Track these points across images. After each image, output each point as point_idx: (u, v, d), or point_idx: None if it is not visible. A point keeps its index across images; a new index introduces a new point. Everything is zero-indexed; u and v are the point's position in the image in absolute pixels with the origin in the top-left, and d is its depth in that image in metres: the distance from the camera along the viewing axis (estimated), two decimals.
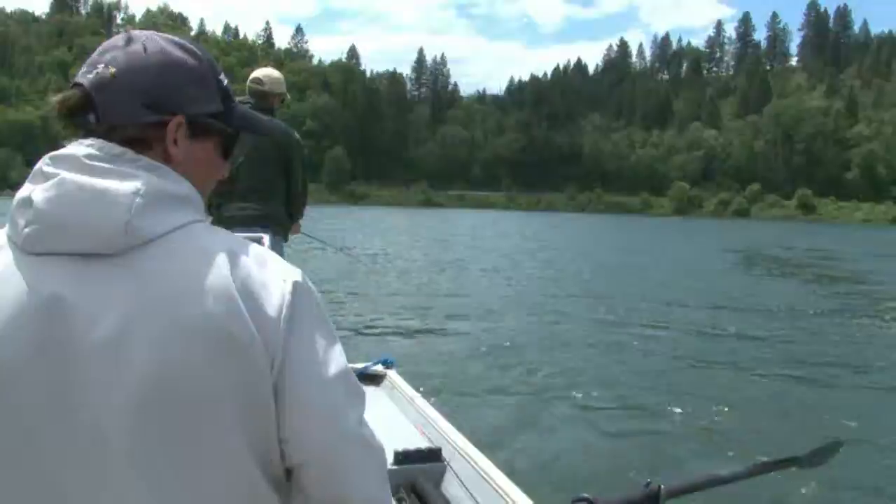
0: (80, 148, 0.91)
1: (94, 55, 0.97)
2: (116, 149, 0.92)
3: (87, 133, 0.94)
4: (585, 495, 1.68)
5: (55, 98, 0.95)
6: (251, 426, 0.90)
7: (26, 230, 0.87)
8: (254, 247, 0.98)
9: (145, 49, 0.96)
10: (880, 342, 11.84)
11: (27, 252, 0.88)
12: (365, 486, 0.97)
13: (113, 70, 0.94)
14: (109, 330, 0.85)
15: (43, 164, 0.92)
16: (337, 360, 0.96)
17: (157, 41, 0.98)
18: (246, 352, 0.88)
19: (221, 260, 0.91)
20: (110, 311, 0.86)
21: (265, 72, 4.58)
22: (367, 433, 0.98)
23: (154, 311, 0.86)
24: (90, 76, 0.94)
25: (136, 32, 0.99)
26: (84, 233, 0.87)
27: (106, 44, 0.98)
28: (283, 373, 0.91)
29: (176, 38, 1.01)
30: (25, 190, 0.90)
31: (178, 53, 0.98)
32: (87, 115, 0.94)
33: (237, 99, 4.85)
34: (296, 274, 0.97)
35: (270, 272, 0.94)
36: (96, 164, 0.90)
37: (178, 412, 0.86)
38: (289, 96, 4.73)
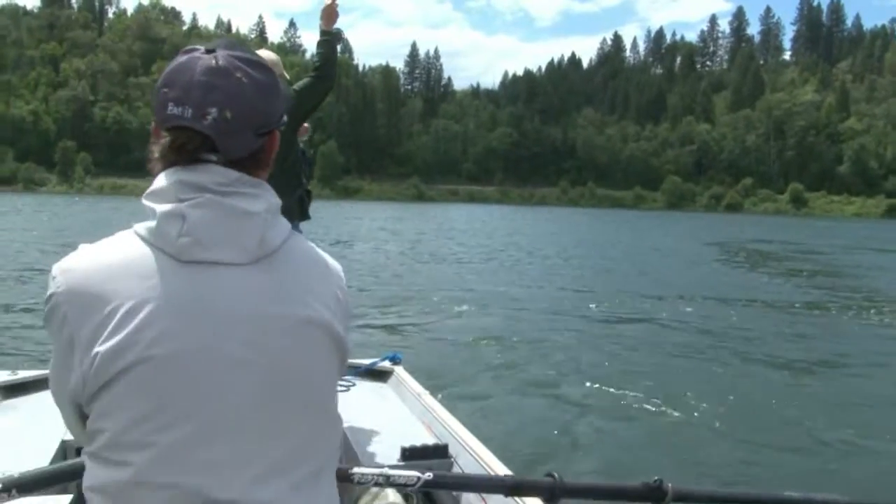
0: (206, 176, 1.06)
1: (196, 93, 1.05)
2: (234, 174, 1.08)
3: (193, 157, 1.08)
4: (551, 473, 1.71)
5: (165, 142, 1.08)
6: (334, 380, 1.19)
7: (181, 240, 1.04)
8: (325, 255, 1.22)
9: (244, 80, 1.07)
10: (864, 335, 11.94)
11: (179, 260, 1.04)
12: None
13: (229, 114, 1.05)
14: (251, 328, 1.06)
15: (176, 189, 1.06)
16: None
17: (242, 67, 1.08)
18: (338, 342, 1.16)
19: (320, 268, 1.18)
20: (251, 309, 1.06)
21: (260, 54, 4.36)
22: None
23: (282, 311, 1.08)
24: (206, 121, 1.05)
25: (217, 59, 1.08)
26: (230, 245, 1.06)
27: (197, 77, 1.06)
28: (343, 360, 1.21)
29: (247, 54, 1.12)
30: (168, 206, 1.05)
31: (263, 76, 1.11)
32: (206, 152, 1.08)
33: None
34: (343, 279, 1.22)
35: (338, 279, 1.21)
36: (225, 188, 1.06)
37: (306, 385, 1.11)
38: (288, 77, 4.43)
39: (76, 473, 1.39)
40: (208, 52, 1.09)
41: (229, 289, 1.06)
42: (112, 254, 1.07)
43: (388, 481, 1.67)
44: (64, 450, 2.76)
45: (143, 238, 1.07)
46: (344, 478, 1.58)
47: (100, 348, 1.02)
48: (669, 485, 1.71)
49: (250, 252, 1.08)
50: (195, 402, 1.04)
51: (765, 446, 6.17)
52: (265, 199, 1.11)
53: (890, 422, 7.01)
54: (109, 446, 1.03)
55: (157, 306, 1.03)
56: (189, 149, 1.07)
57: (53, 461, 2.61)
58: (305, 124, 4.48)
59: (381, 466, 1.68)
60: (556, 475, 1.70)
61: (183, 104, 1.05)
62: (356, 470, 1.62)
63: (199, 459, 1.03)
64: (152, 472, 1.01)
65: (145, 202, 1.08)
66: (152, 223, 1.06)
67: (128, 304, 1.02)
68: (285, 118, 1.18)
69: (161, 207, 1.05)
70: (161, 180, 1.08)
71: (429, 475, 1.66)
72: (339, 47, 4.17)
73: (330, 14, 4.10)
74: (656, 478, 1.72)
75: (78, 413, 1.11)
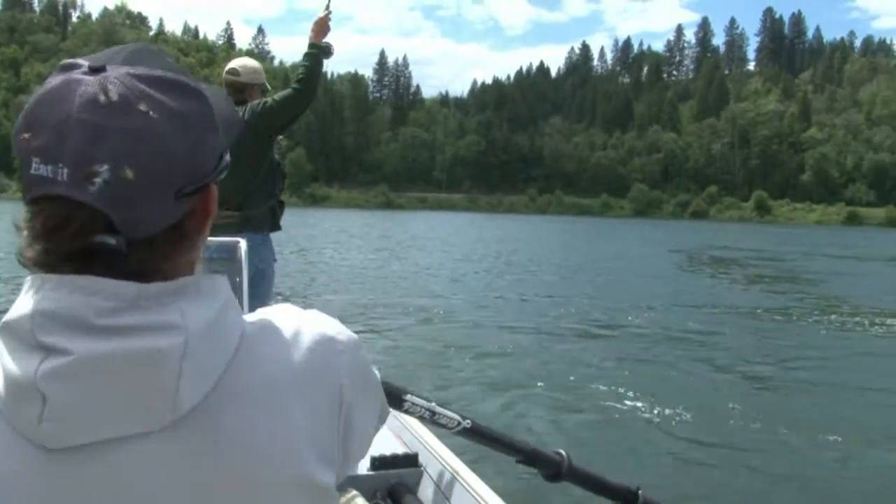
0: (81, 300, 0.64)
1: (74, 142, 0.62)
2: (130, 290, 0.65)
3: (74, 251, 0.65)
4: (559, 450, 1.73)
5: (32, 218, 0.66)
6: None
7: (42, 427, 0.64)
8: (304, 340, 0.77)
9: (152, 115, 0.65)
10: (824, 338, 12.08)
11: (45, 448, 0.65)
12: None
13: (129, 171, 0.63)
14: None
15: (34, 326, 0.64)
16: (376, 425, 0.88)
17: (150, 93, 0.65)
18: (323, 490, 0.74)
19: (283, 390, 0.72)
20: (170, 495, 0.67)
21: (241, 62, 4.26)
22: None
23: (228, 477, 0.68)
24: (93, 187, 0.62)
25: (108, 83, 0.64)
26: (122, 419, 0.65)
27: (76, 115, 0.63)
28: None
29: (157, 71, 0.67)
30: (20, 368, 0.63)
31: (185, 104, 0.68)
32: (98, 235, 0.64)
33: None
34: (351, 356, 0.80)
35: (329, 375, 0.76)
36: (113, 322, 0.64)
37: None
38: (269, 87, 4.33)
39: None
40: (95, 70, 0.65)
41: (129, 476, 0.66)
42: None
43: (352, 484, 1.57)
44: None
45: None
46: None
47: None
48: (640, 492, 1.73)
49: (157, 419, 0.66)
50: None
51: (729, 455, 6.18)
52: (182, 329, 0.66)
53: (852, 426, 7.07)
54: None
55: None
56: (70, 232, 0.64)
57: None
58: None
59: (349, 476, 1.62)
60: (563, 453, 1.69)
61: (54, 160, 0.63)
62: None
63: None
64: None
65: (0, 341, 0.66)
66: (2, 391, 0.65)
67: None
68: (228, 159, 0.75)
69: (12, 368, 0.64)
70: (21, 298, 0.66)
71: (468, 422, 1.61)
72: (325, 62, 4.10)
73: (321, 27, 4.06)
74: (637, 486, 1.73)
75: None
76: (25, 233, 0.66)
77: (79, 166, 0.62)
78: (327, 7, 4.08)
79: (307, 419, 0.73)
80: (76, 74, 0.65)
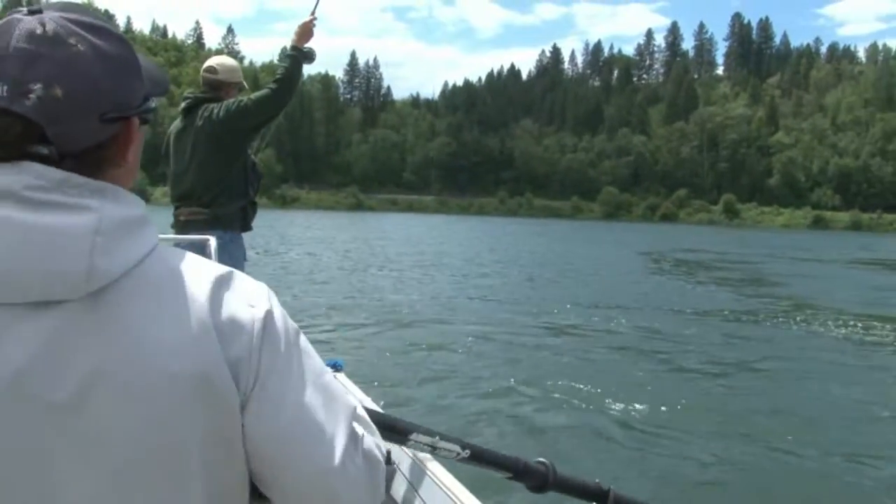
0: (14, 177, 0.76)
1: (13, 65, 0.76)
2: (57, 174, 0.77)
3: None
4: (543, 460, 1.73)
5: None
6: (218, 471, 0.83)
7: None
8: (217, 270, 0.87)
9: (80, 48, 0.78)
10: (788, 339, 12.29)
11: None
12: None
13: (59, 91, 0.76)
14: (71, 391, 0.74)
15: None
16: (315, 382, 0.89)
17: (79, 32, 0.79)
18: (220, 395, 0.80)
19: (190, 293, 0.82)
20: (73, 369, 0.75)
21: (219, 60, 4.19)
22: (353, 465, 0.89)
23: (122, 364, 0.76)
24: (28, 101, 0.76)
25: (45, 21, 0.79)
26: (39, 281, 0.74)
27: (15, 44, 0.77)
28: (252, 410, 0.83)
29: (88, 17, 0.82)
30: None
31: (111, 45, 0.82)
32: (33, 145, 0.77)
33: (188, 91, 4.36)
34: (262, 296, 0.88)
35: (238, 299, 0.85)
36: (40, 195, 0.76)
37: (148, 469, 0.78)
38: (246, 85, 4.29)
39: None
40: (32, 13, 0.81)
41: (39, 340, 0.75)
42: None
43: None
44: None
45: None
46: None
47: None
48: (611, 489, 1.75)
49: (72, 288, 0.75)
50: None
51: (704, 453, 6.26)
52: (99, 212, 0.78)
53: (816, 425, 7.25)
54: None
55: None
56: (9, 140, 0.77)
57: None
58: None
59: None
60: (547, 462, 1.69)
61: None
62: None
63: None
64: None
65: None
66: None
67: None
68: (152, 104, 0.88)
69: None
70: None
71: (467, 451, 1.64)
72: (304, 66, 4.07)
73: (304, 31, 4.02)
74: (608, 486, 1.76)
75: None
76: None
77: (16, 84, 0.75)
78: (313, 12, 4.10)
79: (210, 326, 0.80)
80: (16, 16, 0.79)
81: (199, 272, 0.85)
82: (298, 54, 3.98)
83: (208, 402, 0.79)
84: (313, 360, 0.91)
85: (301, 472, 0.86)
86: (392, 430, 1.47)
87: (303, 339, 0.92)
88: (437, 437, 1.62)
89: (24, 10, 0.81)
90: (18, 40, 0.77)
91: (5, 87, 0.76)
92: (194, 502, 0.81)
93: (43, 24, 0.78)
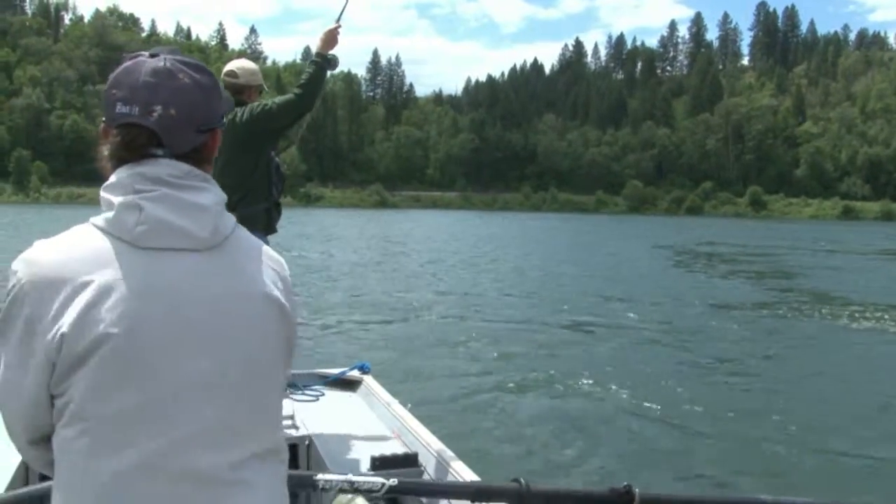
0: (160, 168, 1.16)
1: (143, 92, 1.16)
2: (185, 167, 1.18)
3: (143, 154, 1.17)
4: (517, 479, 1.72)
5: (114, 139, 1.18)
6: (286, 356, 1.28)
7: (138, 228, 1.12)
8: (265, 245, 1.33)
9: (186, 81, 1.18)
10: (820, 334, 12.19)
11: (138, 246, 1.13)
12: None
13: (173, 111, 1.15)
14: (211, 307, 1.16)
15: (133, 181, 1.14)
16: None
17: (185, 69, 1.19)
18: (288, 314, 1.26)
19: (265, 253, 1.28)
20: (210, 292, 1.16)
21: (239, 64, 4.27)
22: None
23: (241, 292, 1.19)
24: (152, 118, 1.15)
25: (164, 62, 1.18)
26: (185, 234, 1.15)
27: (143, 78, 1.16)
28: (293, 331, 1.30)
29: (189, 58, 1.22)
30: (126, 197, 1.13)
31: (204, 78, 1.21)
32: (153, 148, 1.17)
33: None
34: (284, 266, 1.33)
35: (280, 263, 1.31)
36: (180, 181, 1.16)
37: (257, 356, 1.20)
38: (266, 87, 4.39)
39: (41, 499, 1.30)
40: (153, 56, 1.19)
41: (186, 272, 1.15)
42: (72, 244, 1.14)
43: (352, 487, 1.66)
44: (26, 473, 2.61)
45: (101, 228, 1.14)
46: (308, 484, 1.63)
47: (64, 328, 1.08)
48: (637, 490, 1.71)
49: (204, 240, 1.16)
50: (156, 374, 1.10)
51: (729, 447, 6.28)
52: (214, 193, 1.21)
53: (847, 419, 7.20)
54: (75, 418, 1.09)
55: (117, 289, 1.09)
56: (137, 144, 1.16)
57: (11, 487, 2.53)
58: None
59: (351, 476, 1.68)
60: (521, 480, 1.69)
61: (130, 103, 1.15)
62: (320, 476, 1.65)
63: (164, 430, 1.09)
64: (120, 442, 1.08)
65: (103, 194, 1.16)
66: (110, 214, 1.13)
67: (90, 287, 1.09)
68: (225, 119, 1.28)
69: (119, 199, 1.13)
70: (118, 174, 1.17)
71: (393, 481, 1.66)
72: (328, 73, 4.09)
73: (329, 38, 4.05)
74: (625, 483, 1.72)
75: (37, 413, 1.15)
76: (106, 153, 1.19)
77: (144, 106, 1.15)
78: (338, 20, 4.13)
79: (275, 275, 1.27)
80: (142, 58, 1.20)
81: (261, 243, 1.30)
82: (322, 61, 4.03)
83: (282, 316, 1.25)
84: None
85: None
86: (296, 483, 1.61)
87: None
88: (350, 474, 1.67)
89: (147, 53, 1.21)
90: (146, 76, 1.16)
91: (137, 109, 1.15)
92: (278, 386, 1.27)
93: (162, 63, 1.18)
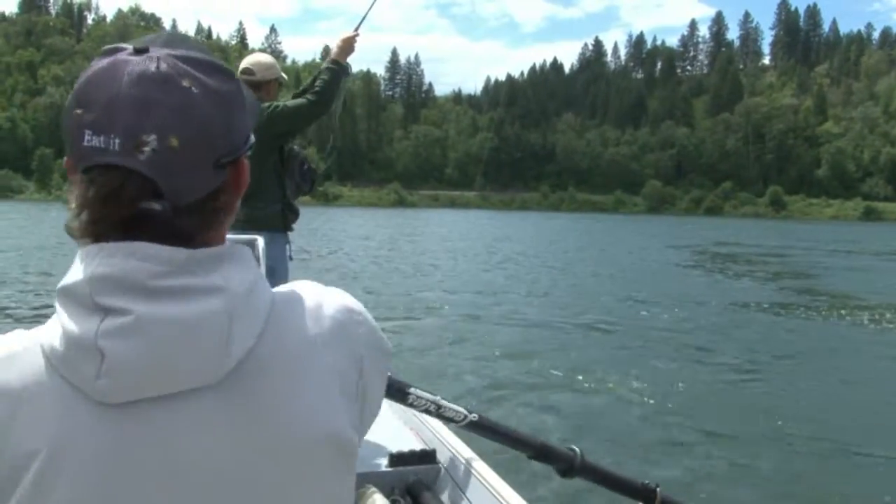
0: (137, 265, 0.70)
1: (125, 114, 0.69)
2: (181, 254, 0.72)
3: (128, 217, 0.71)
4: (572, 447, 1.72)
5: (85, 187, 0.71)
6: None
7: (100, 383, 0.69)
8: (327, 311, 0.83)
9: (194, 91, 0.72)
10: (837, 336, 12.02)
11: (102, 403, 0.70)
12: None
13: (174, 140, 0.70)
14: (217, 473, 0.73)
15: (93, 290, 0.69)
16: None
17: (191, 72, 0.73)
18: (349, 447, 0.80)
19: (312, 356, 0.79)
20: (215, 455, 0.73)
21: (254, 59, 4.21)
22: None
23: (264, 443, 0.74)
24: (142, 155, 0.69)
25: (157, 62, 0.72)
26: (175, 378, 0.71)
27: (125, 90, 0.70)
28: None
29: (195, 52, 0.76)
30: (79, 328, 0.69)
31: (222, 83, 0.75)
32: (145, 202, 0.70)
33: None
34: (365, 326, 0.87)
35: (351, 342, 0.83)
36: (168, 283, 0.70)
37: None
38: (286, 77, 4.31)
39: None
40: (139, 52, 0.73)
41: (179, 432, 0.72)
42: (12, 377, 0.73)
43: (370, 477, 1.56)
44: None
45: (51, 363, 0.72)
46: None
47: None
48: (658, 489, 1.74)
49: (208, 376, 0.72)
50: None
51: (752, 456, 6.18)
52: (227, 290, 0.73)
53: (865, 421, 7.13)
54: None
55: (75, 465, 0.70)
56: (124, 198, 0.70)
57: None
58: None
59: (368, 472, 1.64)
60: (576, 449, 1.68)
61: (107, 132, 0.69)
62: None
63: None
64: None
65: (56, 304, 0.73)
66: (60, 350, 0.71)
67: (37, 459, 0.70)
68: (253, 139, 0.81)
69: (71, 328, 0.70)
70: (76, 266, 0.72)
71: (474, 416, 1.59)
72: (342, 81, 4.05)
73: (346, 46, 4.03)
74: (656, 484, 1.74)
75: None
76: (73, 205, 0.72)
77: (129, 136, 0.68)
78: (357, 28, 4.08)
79: (333, 382, 0.79)
80: (122, 56, 0.72)
81: (316, 320, 0.82)
82: (338, 68, 3.99)
83: (340, 455, 0.79)
84: (389, 356, 0.92)
85: None
86: (391, 388, 1.38)
87: (386, 345, 0.91)
88: (440, 397, 1.60)
89: (129, 48, 0.74)
90: (129, 86, 0.70)
91: (117, 141, 0.69)
92: None
93: (154, 64, 0.72)
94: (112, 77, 0.70)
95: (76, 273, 0.71)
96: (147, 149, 0.69)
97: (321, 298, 0.84)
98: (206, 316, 0.70)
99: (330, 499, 0.79)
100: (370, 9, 4.27)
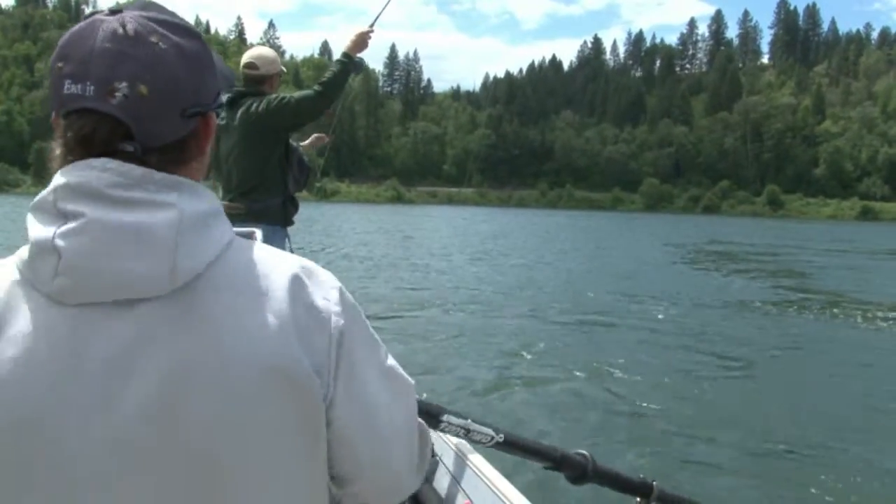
0: (96, 175, 0.78)
1: (99, 64, 0.79)
2: (137, 171, 0.80)
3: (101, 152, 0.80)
4: (583, 451, 1.73)
5: (64, 133, 0.81)
6: (304, 460, 0.85)
7: (56, 281, 0.77)
8: (294, 262, 0.89)
9: (161, 45, 0.82)
10: (835, 336, 12.03)
11: (59, 303, 0.78)
12: (408, 475, 1.00)
13: (143, 88, 0.79)
14: (160, 385, 0.77)
15: (57, 197, 0.78)
16: (386, 370, 0.94)
17: (159, 30, 0.82)
18: (301, 387, 0.82)
19: (269, 287, 0.84)
20: (159, 362, 0.77)
21: (257, 52, 4.17)
22: (421, 461, 1.02)
23: (204, 356, 0.78)
24: (114, 100, 0.79)
25: (125, 20, 0.81)
26: (124, 281, 0.77)
27: (100, 44, 0.80)
28: (337, 403, 0.86)
29: (166, 15, 0.86)
30: (41, 231, 0.78)
31: (189, 42, 0.85)
32: (120, 144, 0.80)
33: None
34: (335, 289, 0.89)
35: (315, 293, 0.87)
36: (123, 193, 0.78)
37: (233, 457, 0.80)
38: (284, 70, 4.30)
39: None
40: (113, 13, 0.84)
41: (123, 336, 0.77)
42: None
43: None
44: None
45: (21, 273, 0.81)
46: None
47: None
48: (655, 483, 1.77)
49: (156, 286, 0.78)
50: (64, 488, 0.77)
51: (744, 450, 6.24)
52: (179, 208, 0.80)
53: (859, 419, 7.18)
54: None
55: (24, 361, 0.77)
56: (98, 139, 0.80)
57: None
58: (322, 135, 4.57)
59: None
60: (587, 454, 1.70)
61: (83, 80, 0.79)
62: None
63: None
64: None
65: (27, 217, 0.82)
66: (25, 254, 0.80)
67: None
68: (223, 98, 0.93)
69: (35, 232, 0.79)
70: (49, 186, 0.81)
71: (501, 436, 1.63)
72: (351, 75, 4.04)
73: (359, 41, 4.00)
74: (652, 479, 1.77)
75: None
76: (57, 152, 0.82)
77: (102, 84, 0.78)
78: (372, 25, 4.09)
79: (288, 328, 0.82)
80: (99, 16, 0.83)
81: (276, 265, 0.86)
82: (349, 62, 3.96)
83: (290, 392, 0.81)
84: (380, 347, 0.94)
85: (383, 470, 0.94)
86: (425, 413, 1.44)
87: (370, 327, 0.93)
88: (470, 420, 1.61)
89: (106, 10, 0.84)
90: (103, 41, 0.79)
91: (92, 88, 0.78)
92: (280, 491, 0.83)
93: (125, 24, 0.80)
94: (89, 34, 0.80)
95: (47, 188, 0.80)
96: (119, 94, 0.78)
97: (290, 259, 0.89)
98: (152, 226, 0.77)
99: (270, 430, 0.80)
100: (386, 6, 4.27)
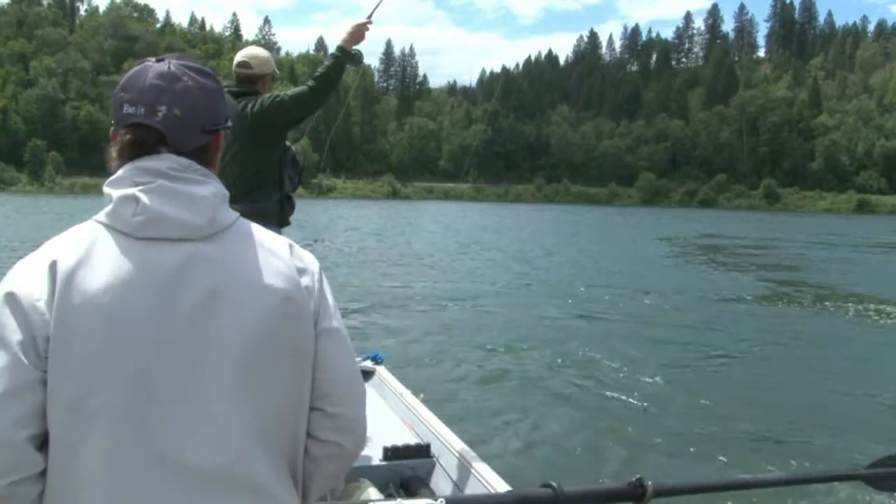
0: (161, 162, 1.20)
1: (148, 94, 1.20)
2: (185, 161, 1.22)
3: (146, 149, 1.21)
4: (550, 483, 1.72)
5: (122, 139, 1.22)
6: (301, 363, 1.23)
7: (135, 219, 1.16)
8: (280, 236, 1.32)
9: (190, 83, 1.23)
10: (830, 328, 12.21)
11: (135, 237, 1.16)
12: (364, 420, 1.32)
13: (178, 111, 1.20)
14: (205, 296, 1.16)
15: (132, 174, 1.18)
16: (338, 311, 1.32)
17: (189, 73, 1.24)
18: (300, 310, 1.23)
19: (273, 243, 1.28)
20: (205, 281, 1.16)
21: (250, 52, 4.09)
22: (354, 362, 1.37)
23: (233, 282, 1.18)
24: (157, 117, 1.20)
25: (169, 66, 1.24)
26: (181, 224, 1.17)
27: (149, 81, 1.21)
28: (320, 326, 1.26)
29: (194, 63, 1.28)
30: (124, 190, 1.17)
31: (207, 81, 1.27)
32: (159, 146, 1.21)
33: (224, 84, 4.41)
34: (308, 254, 1.32)
35: (300, 253, 1.30)
36: (177, 173, 1.20)
37: (259, 356, 1.17)
38: (279, 72, 4.24)
39: None
40: (159, 61, 1.25)
41: (180, 260, 1.16)
42: (69, 237, 1.19)
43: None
44: None
45: (101, 223, 1.18)
46: None
47: (54, 312, 1.11)
48: (649, 483, 1.75)
49: (200, 229, 1.18)
50: (143, 364, 1.11)
51: (732, 434, 6.34)
52: (213, 186, 1.24)
53: (846, 415, 7.22)
54: (70, 408, 1.10)
55: (110, 275, 1.13)
56: (145, 144, 1.21)
57: None
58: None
59: (362, 466, 1.71)
60: (555, 485, 1.70)
61: (136, 104, 1.20)
62: None
63: (153, 423, 1.11)
64: (117, 436, 1.10)
65: (106, 189, 1.20)
66: (109, 207, 1.18)
67: (83, 274, 1.13)
68: (230, 122, 1.33)
69: (118, 192, 1.17)
70: (122, 170, 1.21)
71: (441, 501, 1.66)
72: (347, 68, 3.92)
73: (356, 34, 3.91)
74: (637, 476, 1.77)
75: (25, 398, 1.09)
76: (114, 156, 1.23)
77: (150, 106, 1.20)
78: (370, 16, 3.99)
79: (284, 266, 1.25)
80: (149, 62, 1.25)
81: (273, 234, 1.31)
82: (344, 56, 3.86)
83: (294, 314, 1.22)
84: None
85: (343, 372, 1.28)
86: None
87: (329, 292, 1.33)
88: (399, 501, 1.63)
89: (153, 59, 1.26)
90: (152, 79, 1.21)
91: (142, 109, 1.20)
92: (285, 392, 1.22)
93: (167, 67, 1.23)
94: (141, 74, 1.23)
95: (120, 171, 1.21)
96: (160, 114, 1.20)
97: (279, 235, 1.33)
98: (200, 192, 1.20)
99: (276, 335, 1.20)
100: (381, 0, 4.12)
